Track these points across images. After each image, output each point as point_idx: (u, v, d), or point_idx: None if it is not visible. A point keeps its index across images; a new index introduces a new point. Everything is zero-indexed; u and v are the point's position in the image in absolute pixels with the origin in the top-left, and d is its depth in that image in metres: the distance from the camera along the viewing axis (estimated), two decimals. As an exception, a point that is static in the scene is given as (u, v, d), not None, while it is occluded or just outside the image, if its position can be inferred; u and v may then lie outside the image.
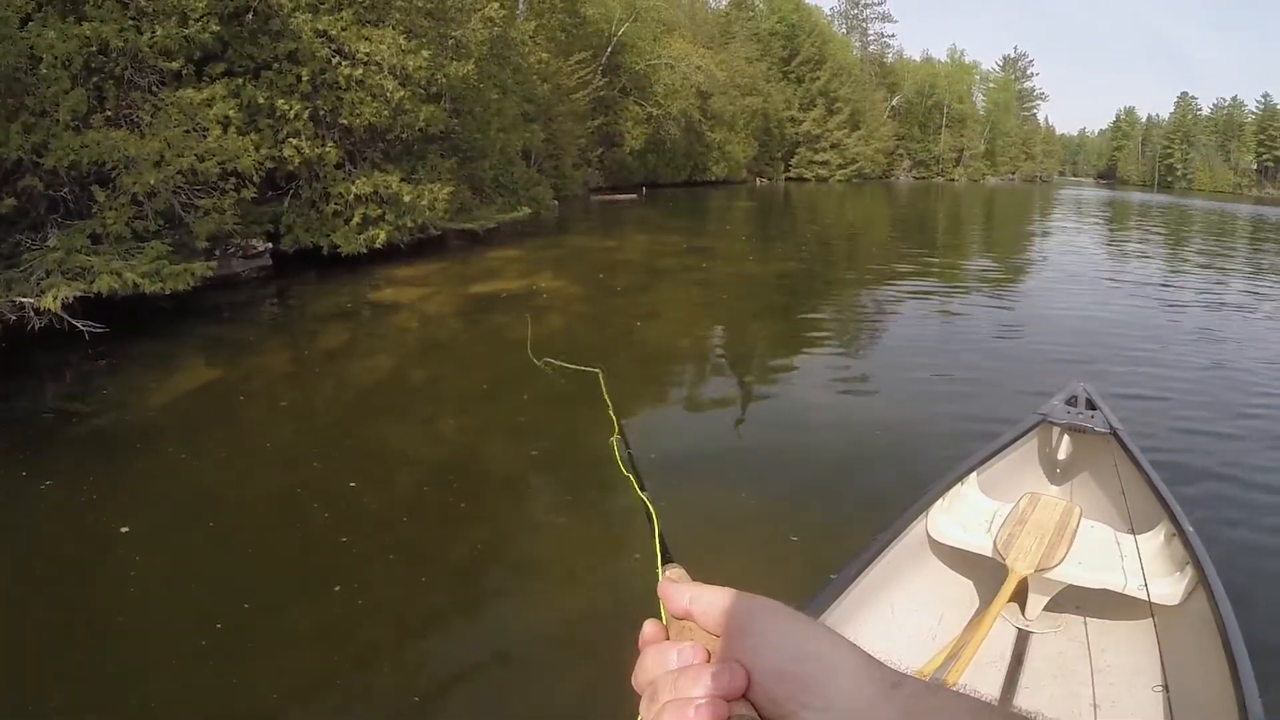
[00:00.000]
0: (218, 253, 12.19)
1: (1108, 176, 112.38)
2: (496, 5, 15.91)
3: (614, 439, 2.37)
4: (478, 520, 4.89)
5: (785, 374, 8.43)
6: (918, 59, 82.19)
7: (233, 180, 11.00)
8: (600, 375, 3.67)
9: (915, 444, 6.15)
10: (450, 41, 14.75)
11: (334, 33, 12.88)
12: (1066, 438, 4.21)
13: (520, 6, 25.71)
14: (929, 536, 3.48)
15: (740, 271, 15.04)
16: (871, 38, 76.65)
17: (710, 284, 13.57)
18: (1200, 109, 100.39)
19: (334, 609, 3.86)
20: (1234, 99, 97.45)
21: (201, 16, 11.42)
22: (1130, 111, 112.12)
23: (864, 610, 3.02)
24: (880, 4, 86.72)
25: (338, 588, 3.98)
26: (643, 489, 1.93)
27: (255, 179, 11.31)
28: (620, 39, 36.11)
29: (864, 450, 6.03)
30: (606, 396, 3.07)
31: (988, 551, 3.30)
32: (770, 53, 56.78)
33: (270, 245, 13.01)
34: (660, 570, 1.35)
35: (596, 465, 5.58)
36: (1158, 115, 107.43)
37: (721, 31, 52.59)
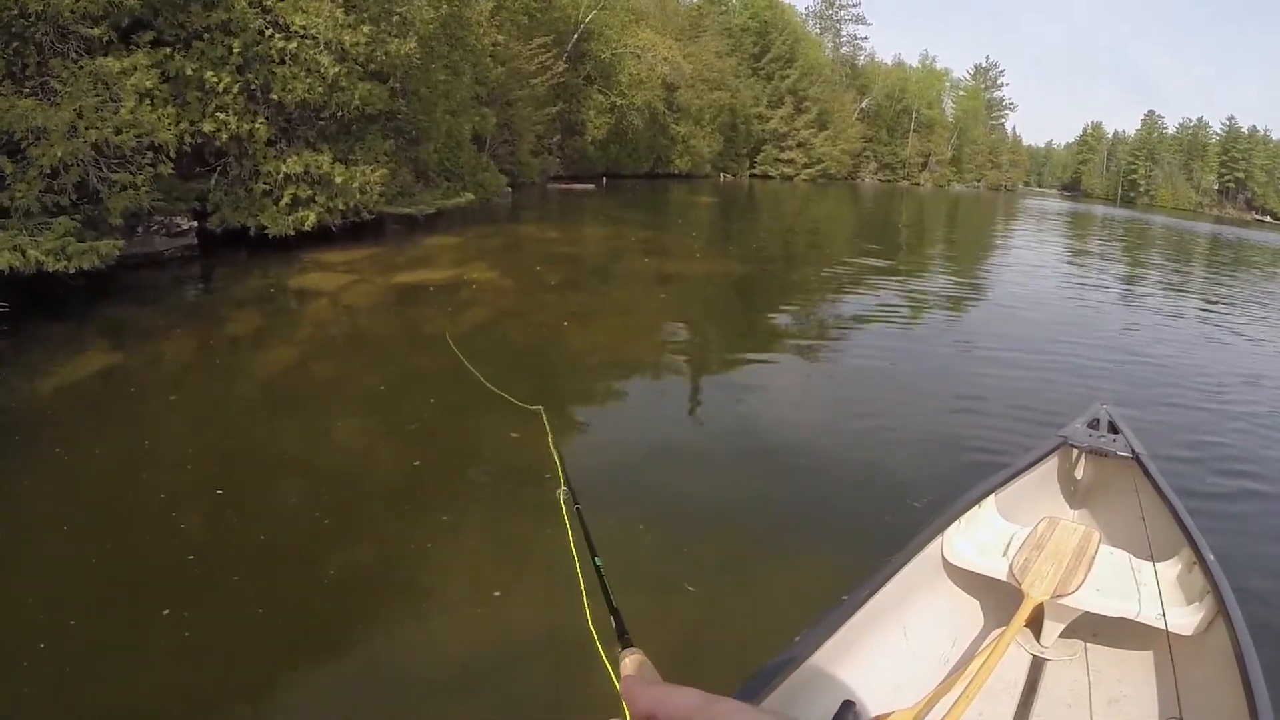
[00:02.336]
0: (140, 230, 11.73)
1: (1072, 189, 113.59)
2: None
3: (560, 493, 2.12)
4: (354, 540, 4.53)
5: (722, 387, 8.01)
6: (889, 63, 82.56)
7: (150, 155, 10.54)
8: (543, 414, 3.40)
9: (875, 478, 5.82)
10: (395, 18, 14.29)
11: (269, 3, 12.37)
12: (1088, 461, 4.17)
13: (483, -12, 25.22)
14: (944, 558, 3.43)
15: (686, 270, 14.69)
16: (844, 39, 76.73)
17: (651, 281, 13.27)
18: (1166, 127, 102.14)
19: (156, 638, 3.51)
20: (1199, 120, 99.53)
21: (128, -21, 10.94)
22: (1097, 126, 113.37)
23: (876, 632, 2.96)
24: (855, 6, 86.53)
25: (166, 612, 3.64)
26: (594, 554, 1.69)
27: (172, 153, 10.80)
28: (587, 25, 35.66)
29: (831, 483, 5.68)
30: (552, 444, 2.80)
31: (1003, 575, 3.25)
32: (741, 48, 56.57)
33: (196, 224, 12.54)
34: (618, 653, 1.17)
35: (510, 481, 5.34)
36: (1124, 131, 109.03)
37: (692, 24, 52.16)
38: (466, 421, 6.41)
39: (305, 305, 10.06)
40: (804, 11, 75.03)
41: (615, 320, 10.31)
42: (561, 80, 33.15)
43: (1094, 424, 4.22)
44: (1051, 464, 4.13)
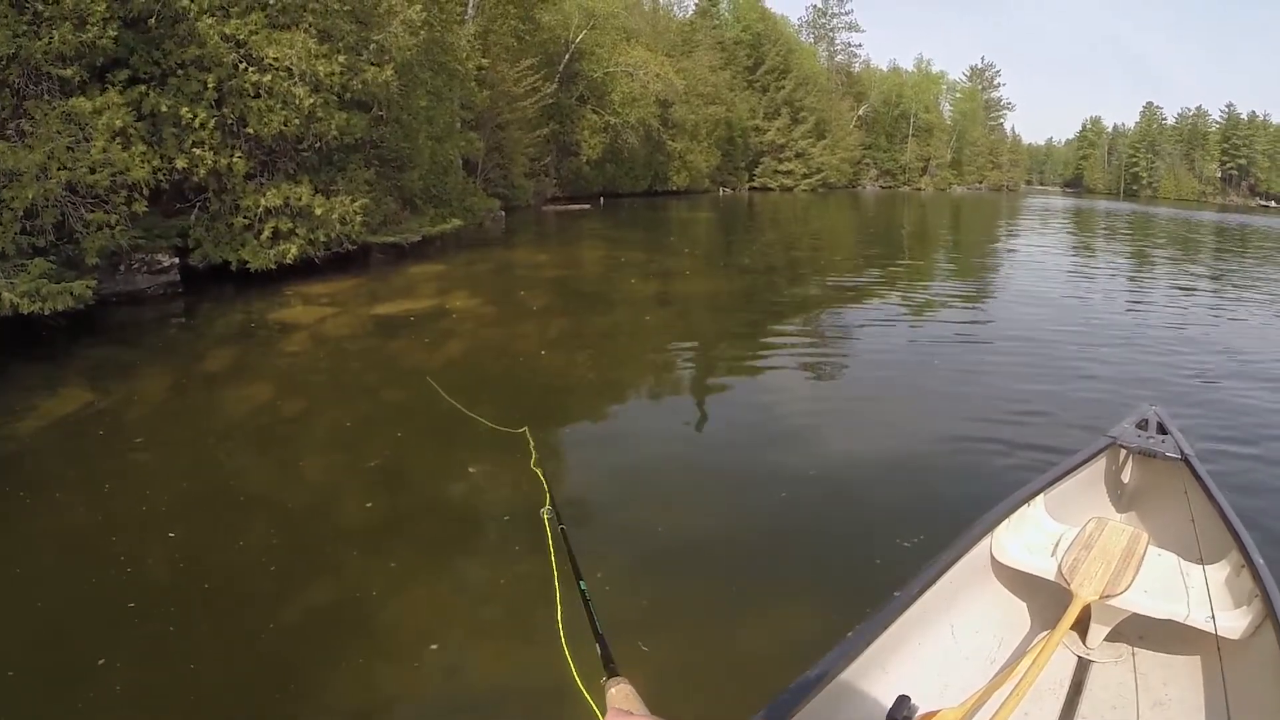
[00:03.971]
0: (122, 268, 11.70)
1: (1074, 185, 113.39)
2: (419, 8, 15.33)
3: (544, 511, 2.02)
4: (315, 581, 4.35)
5: (703, 409, 7.76)
6: (885, 69, 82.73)
7: (124, 193, 10.50)
8: (528, 434, 3.29)
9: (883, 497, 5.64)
10: (372, 45, 14.24)
11: (242, 37, 12.30)
12: (1136, 462, 4.11)
13: (469, 11, 25.26)
14: (992, 557, 3.43)
15: (675, 290, 14.47)
16: (839, 47, 76.82)
17: (637, 304, 13.02)
18: (1165, 118, 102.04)
19: (83, 691, 3.36)
20: (1198, 108, 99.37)
21: (100, 21, 10.93)
22: (1096, 121, 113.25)
23: (923, 630, 2.98)
24: (847, 14, 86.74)
25: (101, 662, 3.51)
26: (579, 578, 1.58)
27: (145, 191, 10.74)
28: (578, 46, 35.74)
29: (829, 503, 5.49)
30: (535, 467, 2.66)
31: (1052, 575, 3.24)
32: (735, 61, 56.60)
33: (177, 260, 12.47)
34: (604, 683, 1.14)
35: (486, 508, 5.23)
36: (1123, 125, 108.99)
37: (684, 40, 52.28)
38: (440, 454, 6.29)
39: (283, 340, 9.90)
40: (797, 22, 75.22)
41: (595, 346, 10.06)
42: (554, 101, 33.21)
43: (1143, 425, 4.16)
44: (1100, 464, 4.10)
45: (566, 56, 35.30)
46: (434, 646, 3.85)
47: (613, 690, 1.17)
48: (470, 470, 5.83)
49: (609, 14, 37.87)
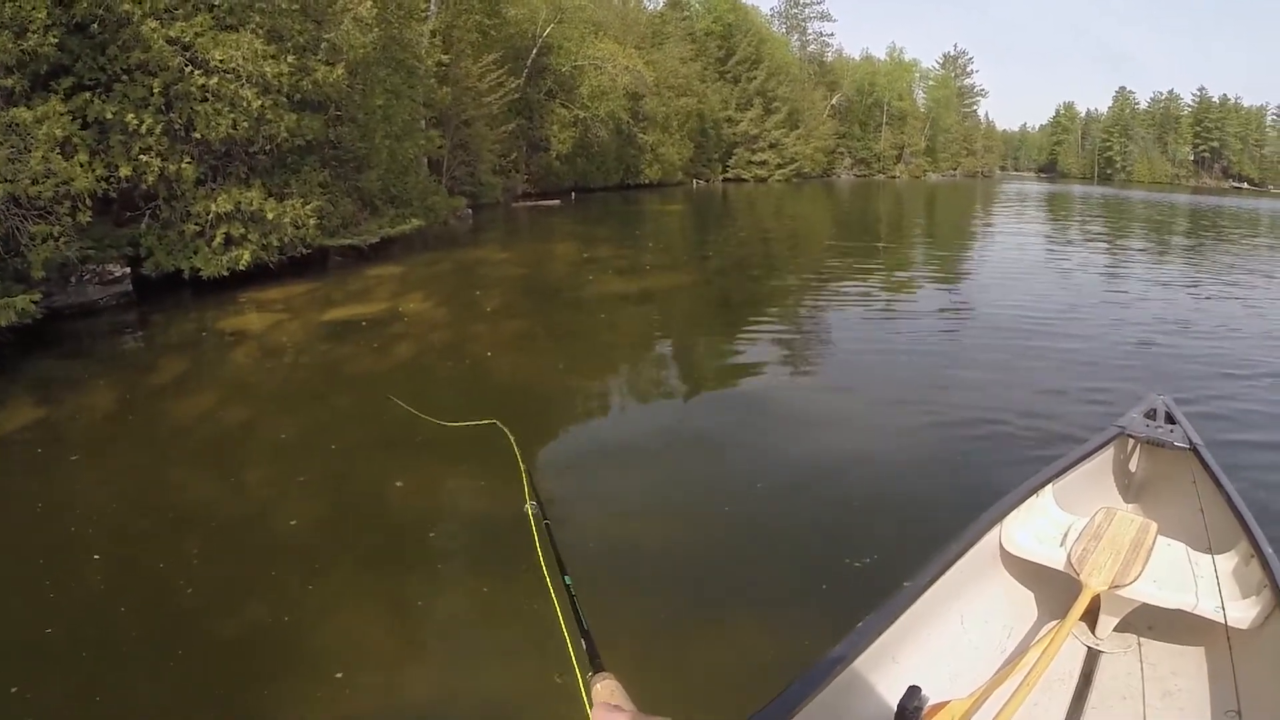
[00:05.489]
0: (73, 280, 11.56)
1: (1049, 170, 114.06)
2: (370, 5, 15.18)
3: (529, 507, 1.99)
4: (251, 600, 4.28)
5: (652, 411, 7.70)
6: (858, 58, 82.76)
7: (67, 204, 10.36)
8: (509, 434, 3.22)
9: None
10: (324, 44, 14.10)
11: (188, 39, 12.12)
12: (1145, 451, 4.12)
13: (432, 7, 25.04)
14: (1001, 547, 3.45)
15: (634, 288, 14.28)
16: (811, 37, 76.79)
17: (594, 302, 12.91)
18: (1138, 103, 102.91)
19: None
20: (1170, 93, 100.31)
21: (41, 28, 10.77)
22: (1069, 106, 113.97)
23: (932, 620, 2.99)
24: (819, 3, 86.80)
25: (14, 690, 3.46)
26: (564, 572, 1.56)
27: (88, 201, 10.59)
28: (546, 39, 35.53)
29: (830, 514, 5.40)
30: (518, 454, 2.64)
31: (1061, 565, 3.24)
32: (706, 53, 56.39)
33: (129, 270, 12.32)
34: (589, 678, 1.15)
35: (443, 508, 5.27)
36: (1097, 110, 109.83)
37: (654, 32, 52.07)
38: (385, 458, 6.22)
39: (232, 348, 9.78)
40: (769, 12, 75.23)
41: (543, 348, 9.98)
42: (521, 96, 33.03)
43: (1151, 414, 4.19)
44: (1108, 454, 4.12)
45: (534, 51, 35.06)
46: (415, 644, 3.90)
47: (599, 685, 1.17)
48: (398, 483, 5.78)
49: (577, 7, 37.60)
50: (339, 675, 3.66)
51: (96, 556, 4.71)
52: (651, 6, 56.81)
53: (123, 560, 4.70)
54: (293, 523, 5.20)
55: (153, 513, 5.38)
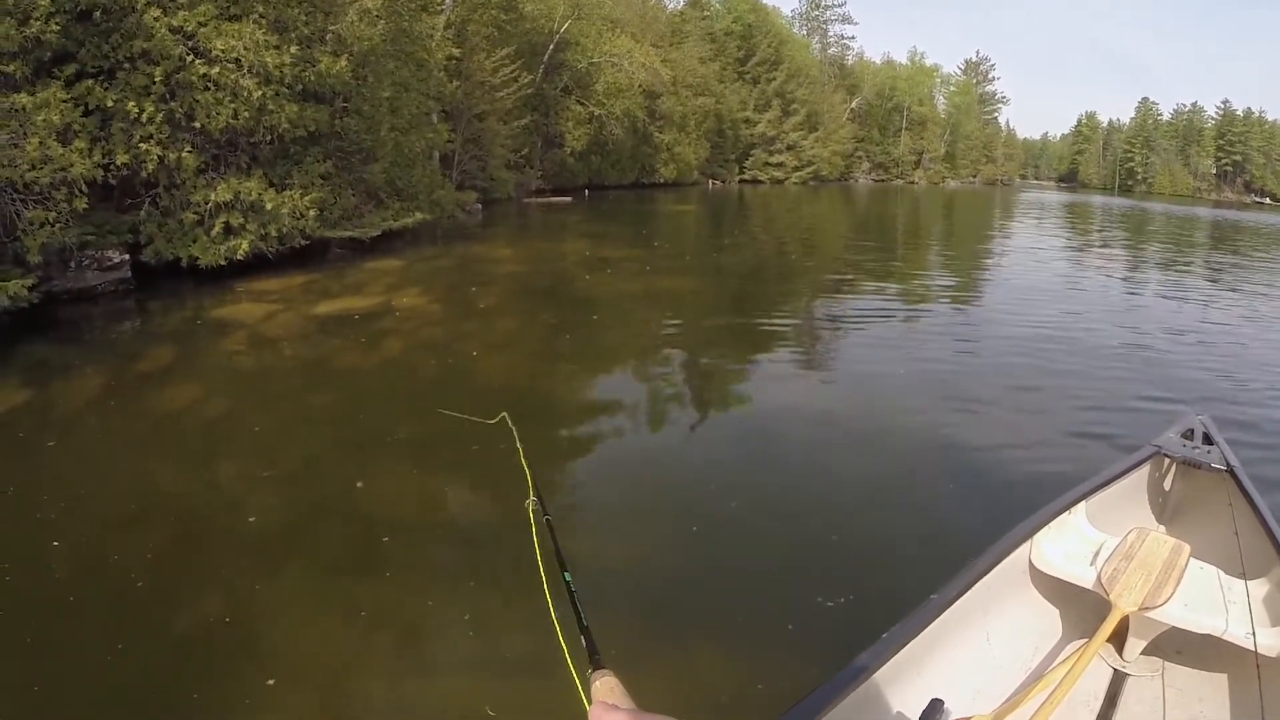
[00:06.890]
0: (72, 265, 11.62)
1: (1069, 180, 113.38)
2: (377, -4, 15.19)
3: (529, 502, 1.98)
4: (204, 595, 4.20)
5: (640, 417, 7.49)
6: (878, 61, 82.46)
7: (64, 190, 10.41)
8: (507, 420, 3.17)
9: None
10: (329, 36, 14.09)
11: (190, 29, 12.10)
12: (1180, 472, 4.01)
13: (448, 1, 25.05)
14: (1031, 564, 3.39)
15: (633, 289, 14.09)
16: (832, 39, 76.47)
17: (588, 303, 12.70)
18: (1161, 114, 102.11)
19: None
20: (1194, 104, 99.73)
21: (44, 15, 10.83)
22: (1091, 116, 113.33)
23: (959, 634, 2.94)
24: (841, 5, 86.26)
25: None
26: (564, 569, 1.54)
27: (84, 188, 10.60)
28: (563, 35, 35.50)
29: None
30: (520, 448, 2.63)
31: (1090, 585, 3.18)
32: (725, 53, 56.33)
33: (128, 257, 12.36)
34: (588, 675, 1.14)
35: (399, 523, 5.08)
36: (1119, 120, 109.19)
37: (674, 31, 51.98)
38: (354, 455, 6.17)
39: (222, 339, 9.74)
40: (790, 14, 75.00)
41: (533, 349, 9.81)
42: (536, 92, 33.01)
43: (1188, 434, 4.07)
44: (1143, 473, 4.01)
45: (550, 46, 35.05)
46: (414, 638, 3.93)
47: (598, 683, 1.16)
48: (358, 485, 5.73)
49: (595, 3, 37.59)
50: (337, 674, 3.62)
51: (56, 543, 4.68)
52: (672, 5, 56.82)
53: (81, 548, 4.65)
54: (251, 519, 5.12)
55: (120, 501, 5.33)
